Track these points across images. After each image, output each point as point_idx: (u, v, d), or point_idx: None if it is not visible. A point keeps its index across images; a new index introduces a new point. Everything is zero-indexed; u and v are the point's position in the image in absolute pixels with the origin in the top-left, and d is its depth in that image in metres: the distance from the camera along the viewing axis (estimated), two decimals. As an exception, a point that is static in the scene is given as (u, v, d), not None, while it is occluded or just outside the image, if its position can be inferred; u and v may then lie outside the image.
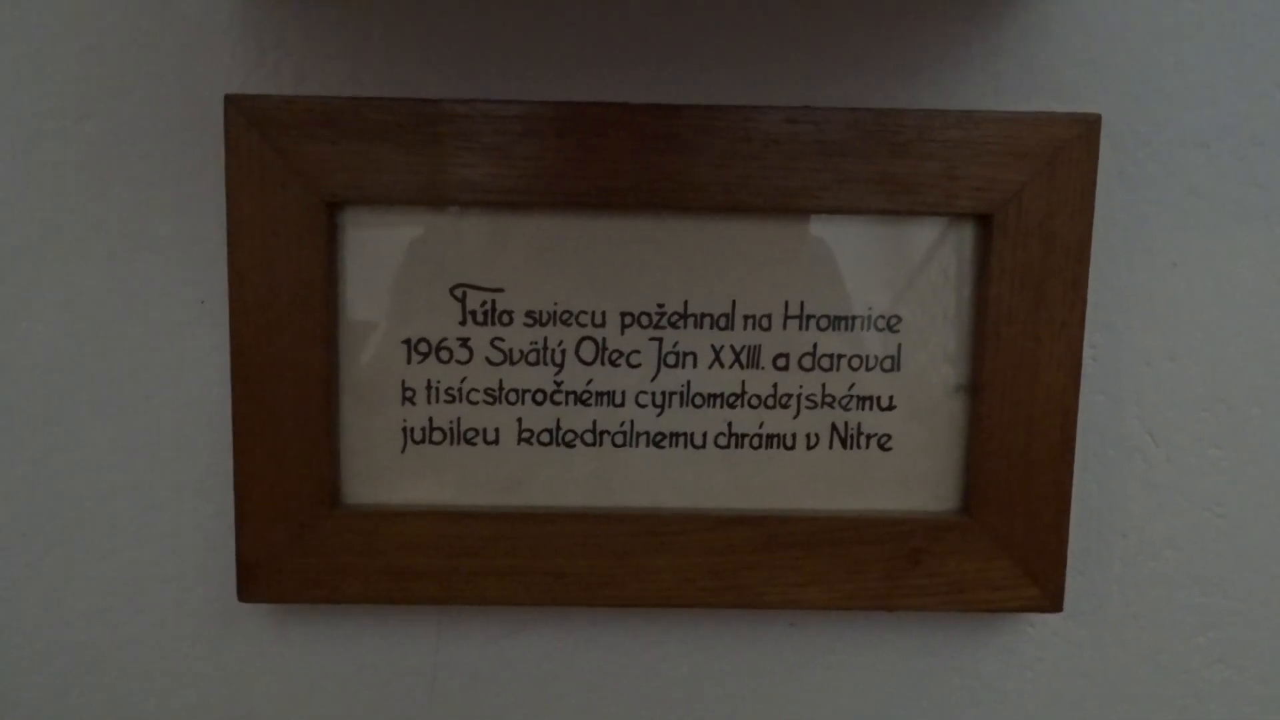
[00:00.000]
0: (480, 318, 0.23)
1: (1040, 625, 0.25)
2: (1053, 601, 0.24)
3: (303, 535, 0.23)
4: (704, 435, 0.24)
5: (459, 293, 0.23)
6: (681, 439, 0.24)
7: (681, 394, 0.24)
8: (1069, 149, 0.22)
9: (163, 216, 0.24)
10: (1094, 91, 0.23)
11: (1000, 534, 0.23)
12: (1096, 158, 0.22)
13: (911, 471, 0.24)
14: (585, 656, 0.26)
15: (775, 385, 0.24)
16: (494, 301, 0.23)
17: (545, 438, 0.24)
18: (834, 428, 0.24)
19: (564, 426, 0.24)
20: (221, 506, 0.24)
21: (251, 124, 0.22)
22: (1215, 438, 0.25)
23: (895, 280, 0.23)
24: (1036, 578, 0.24)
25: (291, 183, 0.22)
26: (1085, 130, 0.22)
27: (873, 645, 0.25)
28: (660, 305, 0.23)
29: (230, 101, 0.22)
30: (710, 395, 0.24)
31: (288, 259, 0.22)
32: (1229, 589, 0.25)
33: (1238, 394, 0.25)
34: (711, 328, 0.23)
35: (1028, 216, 0.22)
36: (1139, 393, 0.25)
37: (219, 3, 0.23)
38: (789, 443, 0.24)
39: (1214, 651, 0.26)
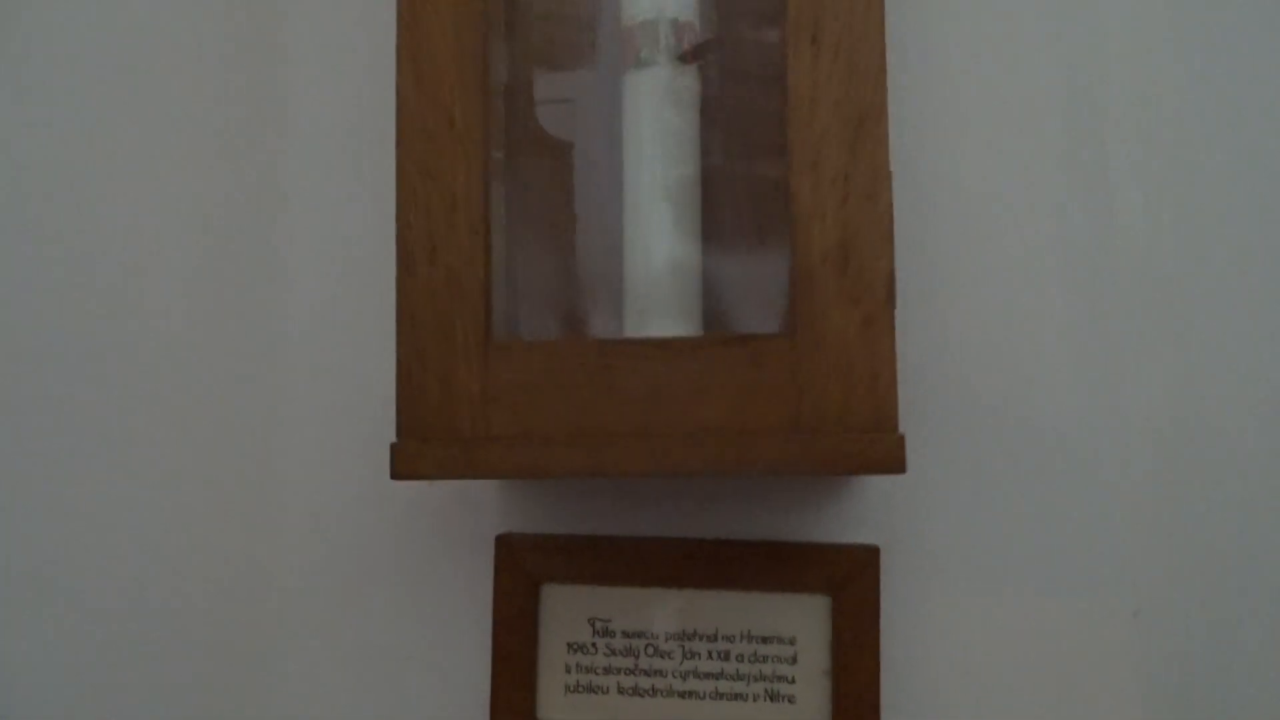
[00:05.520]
0: (600, 630, 0.51)
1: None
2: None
3: None
4: (700, 691, 0.50)
5: (590, 620, 0.51)
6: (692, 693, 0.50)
7: (694, 672, 0.50)
8: (867, 561, 0.48)
9: (453, 583, 0.53)
10: (887, 524, 0.49)
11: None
12: (879, 567, 0.48)
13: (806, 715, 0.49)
14: None
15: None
16: (606, 625, 0.51)
17: (632, 689, 0.51)
18: (766, 690, 0.49)
19: (641, 687, 0.50)
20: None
21: (503, 546, 0.51)
22: None
23: (785, 620, 0.49)
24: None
25: (519, 572, 0.51)
26: (872, 555, 0.48)
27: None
28: (682, 628, 0.50)
29: (499, 540, 0.51)
30: (706, 674, 0.50)
31: (520, 607, 0.51)
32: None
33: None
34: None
35: (848, 596, 0.48)
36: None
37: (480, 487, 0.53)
38: (743, 696, 0.49)
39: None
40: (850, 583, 0.48)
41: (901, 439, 0.35)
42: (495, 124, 0.41)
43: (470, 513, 0.52)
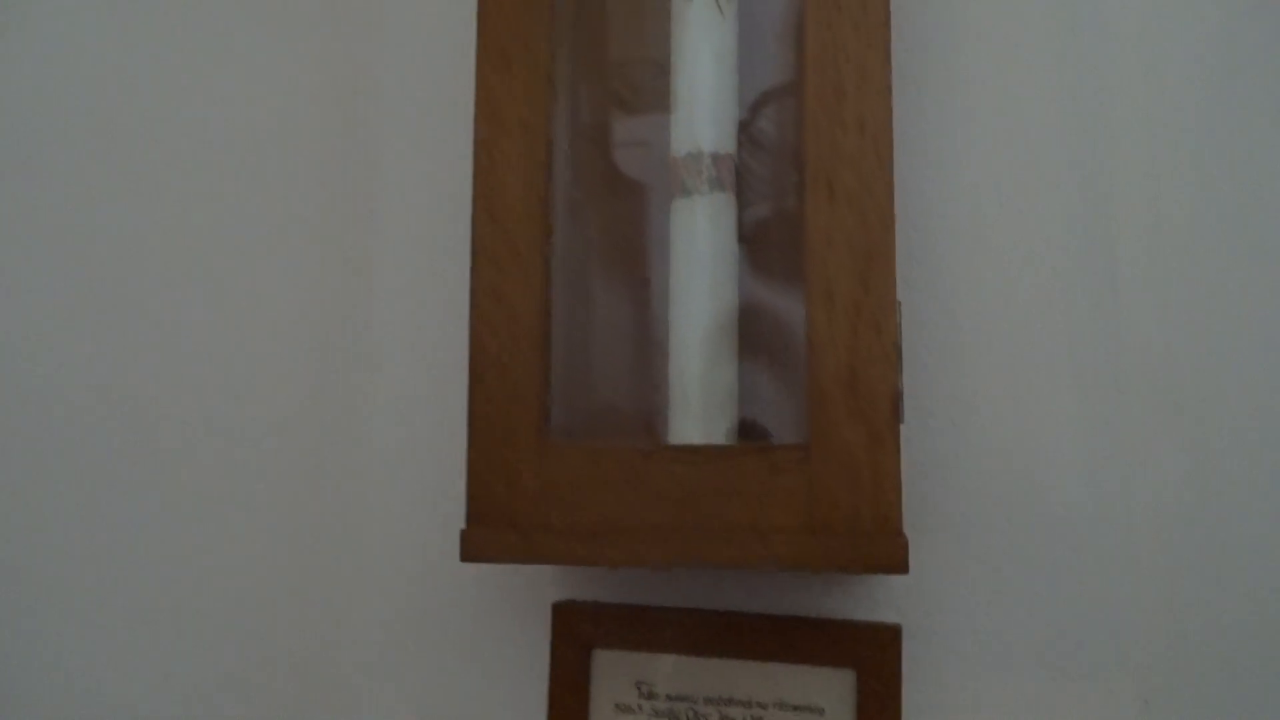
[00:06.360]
0: (645, 693, 0.56)
1: None
2: None
3: None
4: (739, 756, 0.54)
5: (636, 683, 0.56)
6: (730, 756, 0.54)
7: (729, 736, 0.54)
8: (890, 639, 0.52)
9: (514, 646, 0.59)
10: (909, 606, 0.53)
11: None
12: (901, 645, 0.52)
13: (833, 781, 0.53)
14: None
15: (770, 735, 0.54)
16: (651, 689, 0.56)
17: (672, 751, 0.55)
18: (796, 757, 0.53)
19: (680, 746, 0.55)
20: None
21: (559, 614, 0.57)
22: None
23: (814, 691, 0.53)
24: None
25: (573, 638, 0.57)
26: (894, 634, 0.52)
27: None
28: (720, 694, 0.55)
29: (556, 608, 0.57)
30: (741, 738, 0.54)
31: (573, 670, 0.56)
32: None
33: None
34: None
35: (872, 671, 0.52)
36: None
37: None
38: (776, 763, 0.54)
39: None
40: (874, 658, 0.52)
41: (904, 542, 0.39)
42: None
43: (530, 583, 0.58)
